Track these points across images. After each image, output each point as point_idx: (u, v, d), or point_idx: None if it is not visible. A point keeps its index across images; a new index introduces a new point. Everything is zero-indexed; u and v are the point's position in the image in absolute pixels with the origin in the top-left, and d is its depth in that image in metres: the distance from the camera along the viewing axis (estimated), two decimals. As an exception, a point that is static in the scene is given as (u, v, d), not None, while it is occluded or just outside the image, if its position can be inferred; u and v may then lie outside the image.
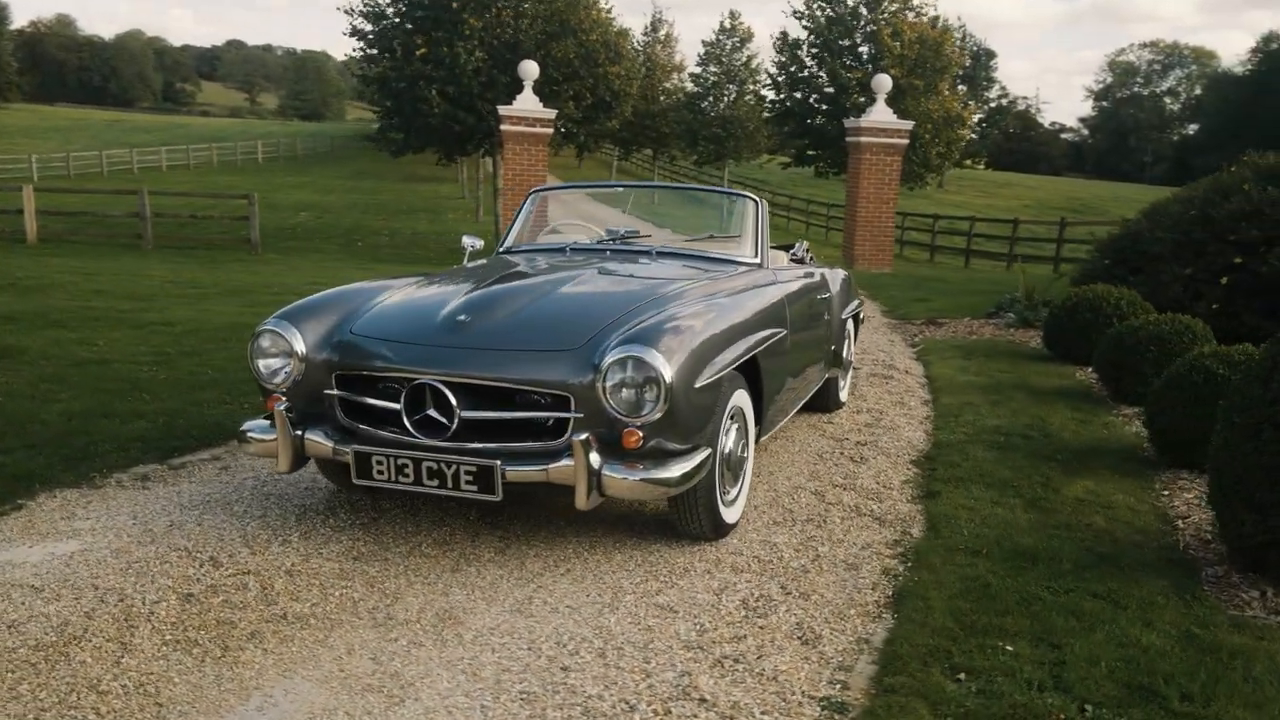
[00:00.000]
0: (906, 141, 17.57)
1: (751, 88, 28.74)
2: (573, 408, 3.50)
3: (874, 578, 3.66)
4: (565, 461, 3.47)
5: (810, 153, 21.53)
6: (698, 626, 3.22)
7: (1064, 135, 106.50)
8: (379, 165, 50.99)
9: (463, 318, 3.76)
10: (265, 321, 3.93)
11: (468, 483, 3.51)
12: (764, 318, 4.33)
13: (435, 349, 3.65)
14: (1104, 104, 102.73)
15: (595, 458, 3.42)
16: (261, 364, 3.91)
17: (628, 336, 3.52)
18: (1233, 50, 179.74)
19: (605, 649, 3.06)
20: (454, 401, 3.54)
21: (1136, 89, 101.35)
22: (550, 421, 3.61)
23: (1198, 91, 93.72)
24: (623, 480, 3.44)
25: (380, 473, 3.61)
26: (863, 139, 17.11)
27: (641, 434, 3.45)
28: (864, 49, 20.57)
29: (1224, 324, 8.26)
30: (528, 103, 17.28)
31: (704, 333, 3.68)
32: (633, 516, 4.26)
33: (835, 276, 6.09)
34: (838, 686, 2.87)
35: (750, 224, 5.03)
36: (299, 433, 3.80)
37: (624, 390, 3.43)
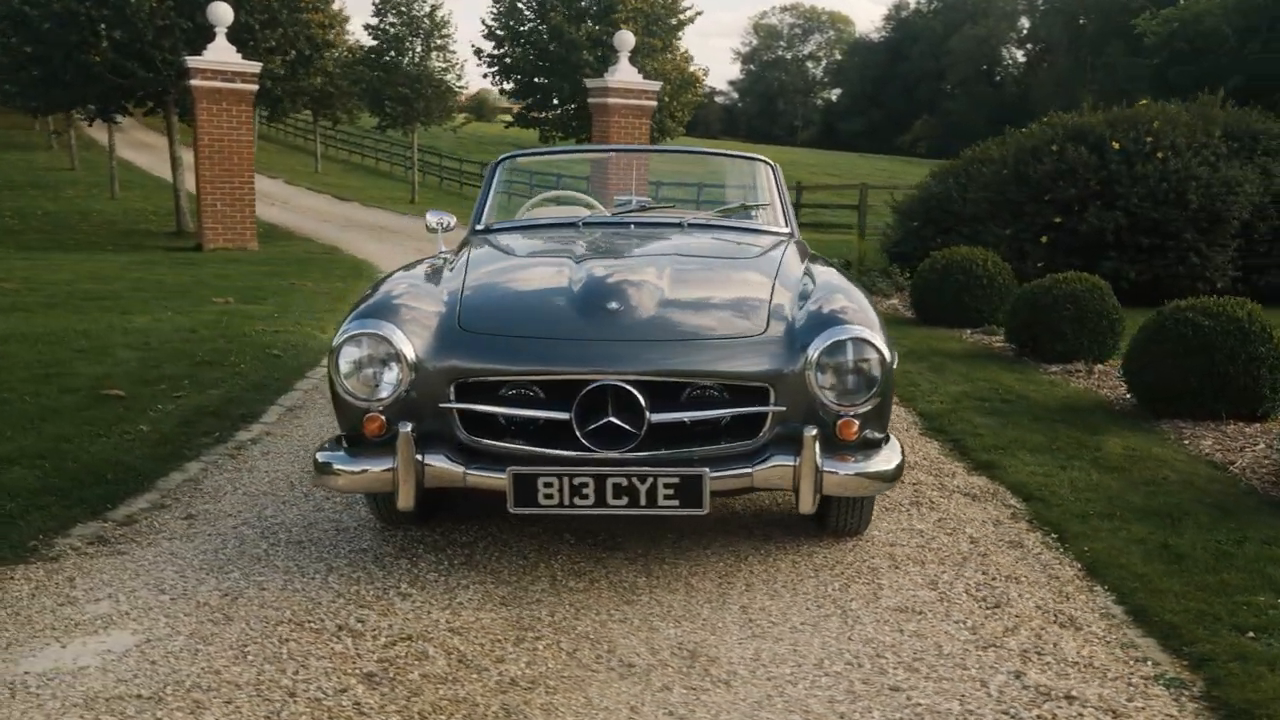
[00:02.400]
0: (655, 103, 18.15)
1: (439, 41, 28.20)
2: (772, 400, 3.40)
3: (1046, 552, 3.90)
4: (777, 461, 3.38)
5: (535, 115, 21.52)
6: (964, 625, 3.29)
7: (716, 98, 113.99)
8: (-67, 131, 44.10)
9: (613, 305, 3.51)
10: (351, 323, 3.43)
11: (667, 497, 3.31)
12: None
13: (607, 344, 3.38)
14: (750, 67, 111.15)
15: (819, 454, 3.35)
16: (359, 377, 3.41)
17: (828, 318, 3.48)
18: (866, 16, 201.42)
19: (909, 662, 3.04)
20: (645, 404, 3.30)
21: (780, 52, 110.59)
22: (725, 421, 3.48)
23: (838, 56, 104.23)
24: (840, 477, 3.41)
25: (549, 497, 3.30)
26: (610, 100, 17.42)
27: (858, 424, 3.43)
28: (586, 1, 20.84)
29: (1049, 281, 9.45)
30: (223, 53, 15.84)
31: (870, 310, 3.71)
32: (727, 519, 4.20)
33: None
34: (1148, 664, 3.06)
35: (773, 190, 5.07)
36: (419, 458, 3.37)
37: (848, 376, 3.39)
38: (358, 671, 2.92)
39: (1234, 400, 5.42)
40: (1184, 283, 9.26)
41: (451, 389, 3.41)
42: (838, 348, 3.38)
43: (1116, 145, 9.90)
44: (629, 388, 3.30)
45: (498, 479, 3.35)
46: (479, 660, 3.02)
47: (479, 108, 57.36)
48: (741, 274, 4.04)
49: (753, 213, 5.06)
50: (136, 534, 3.97)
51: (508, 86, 21.80)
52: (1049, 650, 3.12)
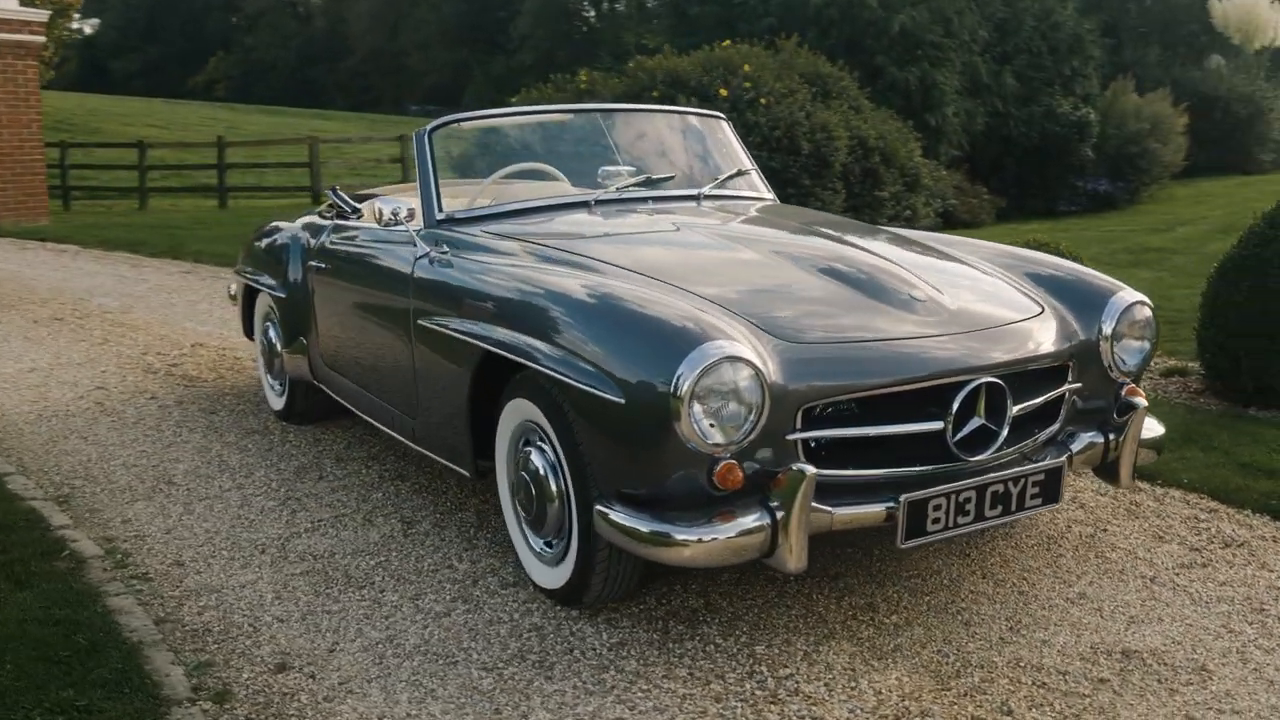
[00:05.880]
0: (43, 39, 15.93)
1: None
2: (1070, 377, 3.73)
3: (1170, 491, 4.65)
4: (1088, 439, 3.72)
5: None
6: (1268, 568, 3.95)
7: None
8: None
9: (917, 294, 3.56)
10: (708, 351, 3.03)
11: (1032, 496, 3.49)
12: None
13: (956, 338, 3.43)
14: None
15: (1135, 425, 3.77)
16: (717, 416, 3.06)
17: (1095, 286, 3.89)
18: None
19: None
20: (1011, 401, 3.44)
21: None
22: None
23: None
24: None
25: (936, 521, 3.31)
26: (-18, 35, 14.93)
27: (1141, 391, 3.89)
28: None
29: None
30: None
31: None
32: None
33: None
34: None
35: (741, 149, 5.18)
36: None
37: (1141, 343, 3.82)
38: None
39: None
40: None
41: (799, 415, 3.21)
42: (1128, 314, 3.79)
43: (723, 93, 11.08)
44: (1002, 384, 3.40)
45: (872, 512, 3.26)
46: (1032, 711, 3.01)
47: None
48: (914, 247, 4.24)
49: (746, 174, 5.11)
50: (269, 708, 3.10)
51: None
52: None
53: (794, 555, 3.10)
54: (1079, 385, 3.73)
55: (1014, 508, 3.44)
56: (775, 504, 3.09)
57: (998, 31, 14.99)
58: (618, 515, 3.17)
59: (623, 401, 3.11)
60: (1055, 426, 3.70)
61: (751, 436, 3.10)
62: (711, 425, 3.06)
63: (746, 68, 11.53)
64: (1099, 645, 3.39)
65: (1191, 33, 24.83)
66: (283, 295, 5.45)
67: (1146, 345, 3.86)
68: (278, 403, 5.86)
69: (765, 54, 12.21)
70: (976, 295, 3.76)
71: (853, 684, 3.15)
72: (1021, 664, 3.28)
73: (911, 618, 3.57)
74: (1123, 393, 3.83)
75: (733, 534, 3.08)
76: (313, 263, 5.19)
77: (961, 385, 3.34)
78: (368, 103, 63.59)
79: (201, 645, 3.48)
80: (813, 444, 3.28)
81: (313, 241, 5.30)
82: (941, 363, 3.35)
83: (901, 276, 3.67)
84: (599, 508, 3.23)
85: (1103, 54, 17.32)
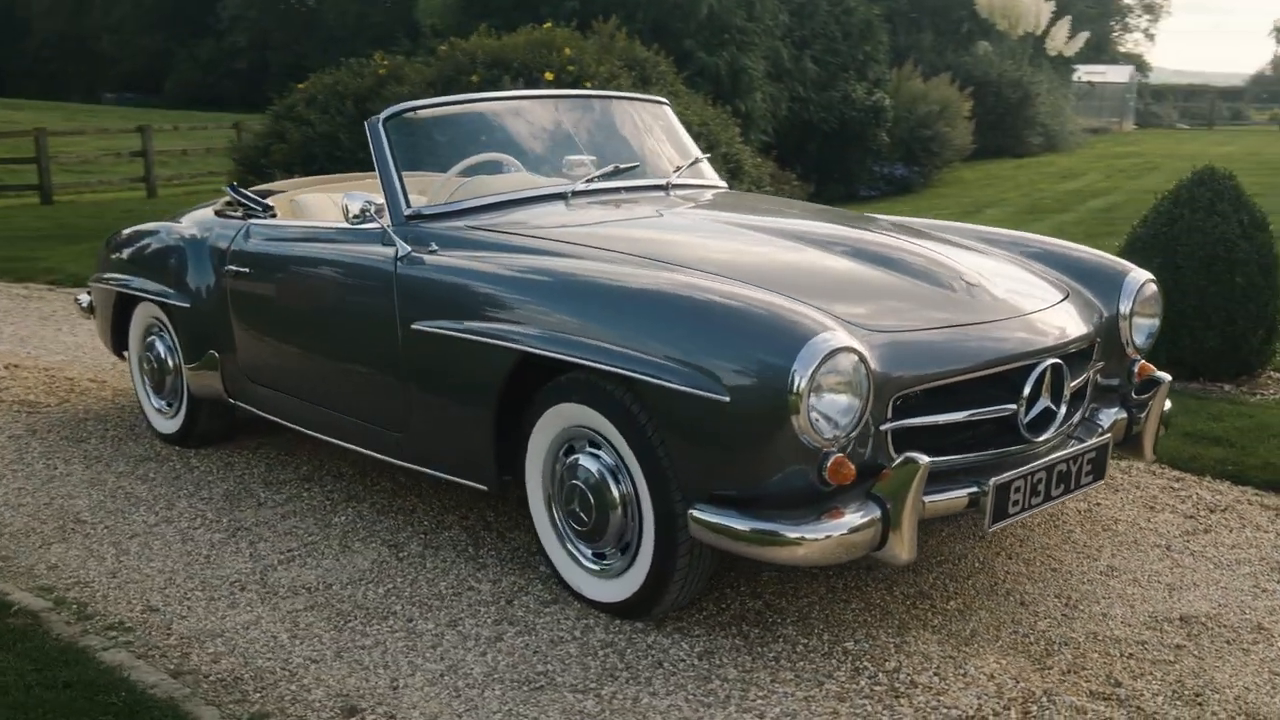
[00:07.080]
0: None
1: None
2: (1095, 356, 4.01)
3: (1135, 464, 5.07)
4: (1114, 416, 4.01)
5: None
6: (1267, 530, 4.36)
7: None
8: None
9: (969, 279, 3.76)
10: (819, 344, 3.10)
11: (1086, 474, 3.74)
12: None
13: (1018, 322, 3.65)
14: None
15: (1152, 398, 4.09)
16: (831, 409, 3.15)
17: (1105, 266, 4.19)
18: None
19: (1306, 566, 4.03)
20: (1069, 381, 3.67)
21: None
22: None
23: None
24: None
25: (1015, 504, 3.51)
26: None
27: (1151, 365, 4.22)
28: None
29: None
30: None
31: None
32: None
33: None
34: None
35: (686, 136, 5.26)
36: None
37: (1153, 320, 4.15)
38: None
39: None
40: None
41: (890, 405, 3.34)
42: (1142, 292, 4.10)
43: (550, 76, 11.05)
44: (1063, 365, 3.64)
45: (958, 498, 3.42)
46: (1138, 681, 3.22)
47: None
48: (930, 236, 4.42)
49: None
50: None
51: None
52: (1329, 527, 4.37)
53: (906, 547, 3.23)
54: (1102, 364, 4.02)
55: (1072, 485, 3.68)
56: (883, 496, 3.21)
57: (795, 16, 15.61)
58: (714, 516, 3.21)
59: (727, 400, 3.14)
60: (1084, 405, 3.97)
61: (856, 429, 3.21)
62: (821, 419, 3.14)
63: (567, 51, 11.56)
64: (1156, 614, 3.67)
65: (960, 19, 26.60)
66: (185, 305, 5.14)
67: (1155, 322, 4.19)
68: (167, 425, 5.53)
69: (581, 37, 12.25)
70: (1011, 280, 3.97)
71: (961, 671, 3.30)
72: (1099, 638, 3.52)
73: (968, 602, 3.77)
74: (1135, 369, 4.14)
75: (844, 531, 3.17)
76: (231, 267, 4.92)
77: (1031, 368, 3.55)
78: (54, 90, 59.61)
79: (241, 696, 3.30)
80: (896, 434, 3.41)
81: (225, 244, 5.02)
82: (1016, 346, 3.55)
83: (945, 264, 3.85)
84: (692, 511, 3.26)
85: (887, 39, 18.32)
